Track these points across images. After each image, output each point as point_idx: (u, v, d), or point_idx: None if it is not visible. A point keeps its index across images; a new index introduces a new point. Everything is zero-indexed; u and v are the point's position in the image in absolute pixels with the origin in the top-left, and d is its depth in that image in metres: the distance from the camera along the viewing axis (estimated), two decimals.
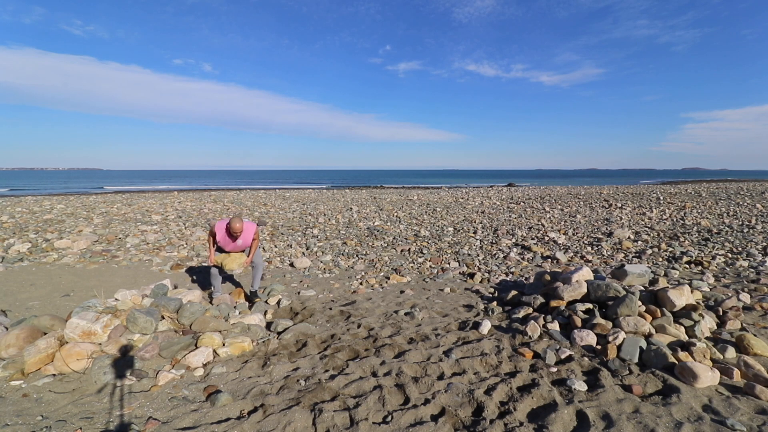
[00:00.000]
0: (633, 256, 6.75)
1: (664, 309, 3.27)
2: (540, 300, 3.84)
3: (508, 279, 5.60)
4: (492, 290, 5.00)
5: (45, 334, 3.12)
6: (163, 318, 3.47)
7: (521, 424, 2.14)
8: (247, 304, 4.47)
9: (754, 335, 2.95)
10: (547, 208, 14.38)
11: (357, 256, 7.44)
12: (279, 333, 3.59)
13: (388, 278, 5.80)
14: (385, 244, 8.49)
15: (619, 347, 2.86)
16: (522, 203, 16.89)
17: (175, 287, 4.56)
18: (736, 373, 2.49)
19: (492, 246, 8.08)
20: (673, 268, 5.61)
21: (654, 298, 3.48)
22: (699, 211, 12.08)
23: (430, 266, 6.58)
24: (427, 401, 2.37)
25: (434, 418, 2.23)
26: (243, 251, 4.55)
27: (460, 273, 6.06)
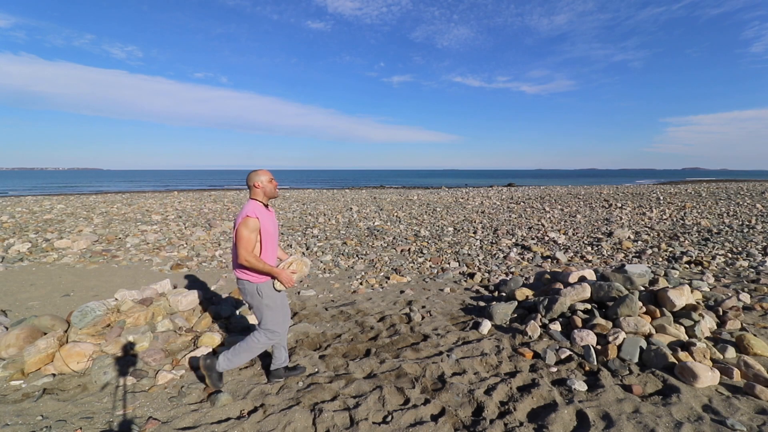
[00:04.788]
0: (633, 256, 6.75)
1: (664, 309, 3.27)
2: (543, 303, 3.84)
3: (508, 279, 5.60)
4: (492, 290, 5.00)
5: (45, 334, 3.12)
6: (163, 318, 3.47)
7: (521, 424, 2.14)
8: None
9: (754, 335, 2.95)
10: (547, 208, 14.38)
11: (357, 256, 7.44)
12: None
13: (388, 278, 5.80)
14: (385, 244, 8.48)
15: (619, 347, 2.85)
16: (522, 203, 16.89)
17: (175, 287, 4.56)
18: (736, 373, 2.49)
19: (492, 246, 8.07)
20: (673, 268, 5.61)
21: (654, 298, 3.47)
22: (699, 211, 12.08)
23: (430, 266, 6.58)
24: (427, 401, 2.37)
25: (434, 418, 2.23)
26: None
27: (460, 273, 6.06)
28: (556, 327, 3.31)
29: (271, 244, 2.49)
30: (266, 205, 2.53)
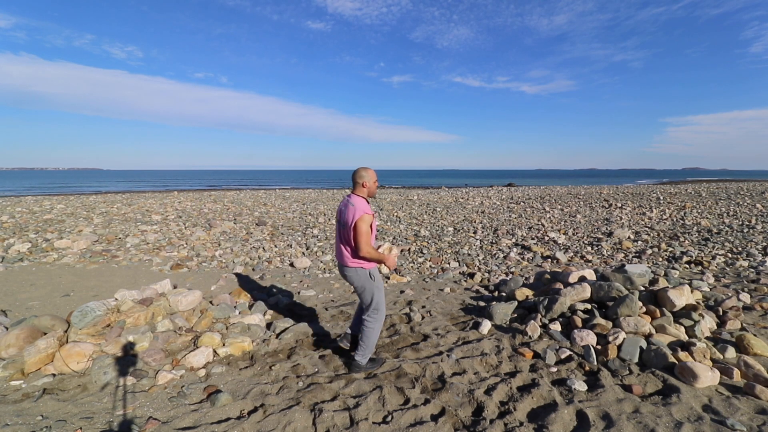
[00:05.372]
0: (633, 256, 6.75)
1: (664, 309, 3.27)
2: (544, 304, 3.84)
3: (508, 279, 5.60)
4: (492, 290, 5.00)
5: (45, 334, 3.12)
6: (163, 318, 3.47)
7: (521, 424, 2.14)
8: (247, 303, 4.46)
9: (754, 335, 2.95)
10: (547, 208, 14.38)
11: None
12: (279, 333, 3.59)
13: (388, 278, 5.80)
14: None
15: (619, 347, 2.85)
16: (522, 203, 16.89)
17: (175, 287, 4.56)
18: (736, 373, 2.50)
19: (492, 246, 8.07)
20: (673, 268, 5.61)
21: (654, 298, 3.47)
22: (699, 211, 12.08)
23: (430, 266, 6.58)
24: (427, 401, 2.37)
25: (434, 418, 2.23)
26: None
27: (460, 273, 6.06)
28: (556, 327, 3.32)
29: (374, 236, 2.77)
30: (368, 202, 2.76)
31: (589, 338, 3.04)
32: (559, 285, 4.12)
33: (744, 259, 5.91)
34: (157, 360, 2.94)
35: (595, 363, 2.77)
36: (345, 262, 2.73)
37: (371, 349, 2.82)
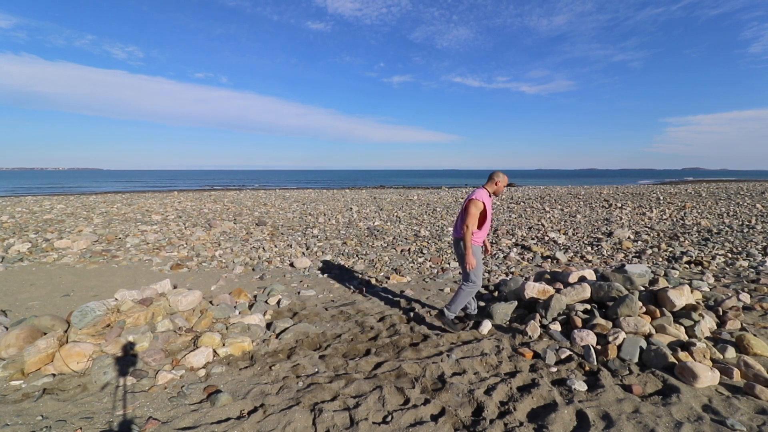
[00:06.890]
0: (633, 256, 6.74)
1: (664, 309, 3.27)
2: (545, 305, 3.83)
3: (508, 279, 5.59)
4: (492, 290, 5.00)
5: (45, 334, 3.12)
6: (163, 318, 3.47)
7: (521, 424, 2.14)
8: (247, 303, 4.46)
9: (754, 335, 2.95)
10: (547, 208, 14.37)
11: (357, 256, 7.44)
12: (279, 333, 3.59)
13: (388, 278, 5.80)
14: (385, 244, 8.48)
15: (619, 347, 2.86)
16: (522, 203, 16.89)
17: (175, 287, 4.56)
18: (736, 373, 2.50)
19: (492, 246, 8.07)
20: (673, 268, 5.61)
21: (654, 298, 3.47)
22: (699, 211, 12.07)
23: (430, 266, 6.58)
24: (427, 401, 2.37)
25: (434, 418, 2.23)
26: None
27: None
28: (556, 327, 3.32)
29: (488, 222, 3.37)
30: (490, 195, 3.33)
31: (589, 338, 3.04)
32: (559, 285, 4.12)
33: (744, 259, 5.91)
34: (157, 360, 2.95)
35: (595, 363, 2.77)
36: (453, 233, 3.44)
37: (458, 308, 3.42)
